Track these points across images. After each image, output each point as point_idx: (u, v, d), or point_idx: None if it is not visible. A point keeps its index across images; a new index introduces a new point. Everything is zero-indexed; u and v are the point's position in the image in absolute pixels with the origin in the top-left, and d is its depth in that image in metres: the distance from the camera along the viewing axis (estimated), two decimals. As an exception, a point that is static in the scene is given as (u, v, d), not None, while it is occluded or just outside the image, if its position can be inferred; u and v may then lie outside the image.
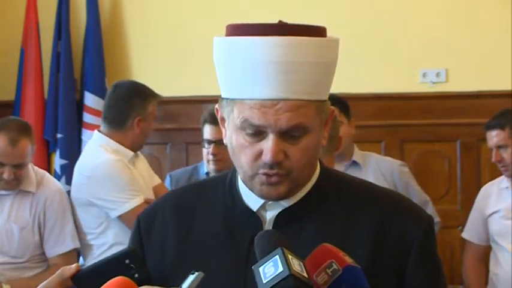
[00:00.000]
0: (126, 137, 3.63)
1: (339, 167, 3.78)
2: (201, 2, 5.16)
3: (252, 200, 1.56)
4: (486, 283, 3.90)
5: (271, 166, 1.48)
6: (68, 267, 1.54)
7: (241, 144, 1.50)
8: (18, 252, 3.46)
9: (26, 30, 5.18)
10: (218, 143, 3.65)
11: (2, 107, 5.21)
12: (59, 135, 5.10)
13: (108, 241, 3.57)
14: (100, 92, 4.98)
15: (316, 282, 1.35)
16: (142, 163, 3.80)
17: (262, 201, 1.55)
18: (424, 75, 4.94)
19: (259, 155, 1.49)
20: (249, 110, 1.47)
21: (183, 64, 5.14)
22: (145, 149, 4.84)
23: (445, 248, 4.74)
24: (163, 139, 5.17)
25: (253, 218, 1.56)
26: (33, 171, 3.55)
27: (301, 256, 1.36)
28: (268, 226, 1.55)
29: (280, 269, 1.29)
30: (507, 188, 3.78)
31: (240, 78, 1.48)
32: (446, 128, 4.89)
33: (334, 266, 1.35)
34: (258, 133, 1.48)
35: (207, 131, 3.76)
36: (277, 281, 1.28)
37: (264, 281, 1.30)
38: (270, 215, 1.56)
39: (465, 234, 3.97)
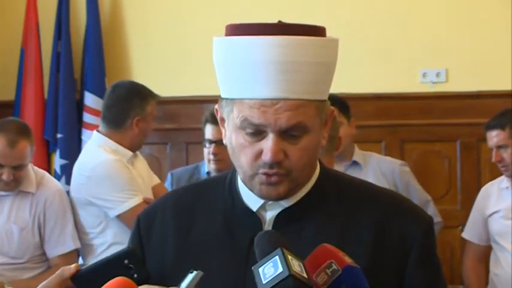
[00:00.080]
0: (125, 137, 3.64)
1: (339, 167, 3.78)
2: (201, 2, 5.16)
3: (252, 200, 1.56)
4: (486, 283, 3.90)
5: (271, 166, 1.48)
6: (68, 267, 1.54)
7: (241, 144, 1.50)
8: (18, 252, 3.45)
9: (26, 30, 5.18)
10: (219, 143, 3.65)
11: (2, 107, 5.21)
12: (59, 135, 5.10)
13: (107, 240, 3.58)
14: (100, 92, 4.97)
15: (315, 282, 1.35)
16: (141, 163, 3.81)
17: (262, 201, 1.55)
18: (424, 75, 4.94)
19: (259, 154, 1.49)
20: (249, 109, 1.47)
21: (183, 64, 5.14)
22: (145, 149, 4.85)
23: (445, 248, 4.74)
24: (163, 139, 5.17)
25: (253, 218, 1.56)
26: (33, 171, 3.55)
27: (301, 256, 1.36)
28: (268, 226, 1.55)
29: (280, 269, 1.29)
30: (507, 188, 3.78)
31: (239, 78, 1.48)
32: (446, 128, 4.89)
33: (334, 266, 1.35)
34: (258, 132, 1.48)
35: (209, 131, 3.77)
36: (277, 281, 1.27)
37: (264, 282, 1.29)
38: (269, 215, 1.56)
39: (465, 234, 3.97)
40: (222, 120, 1.57)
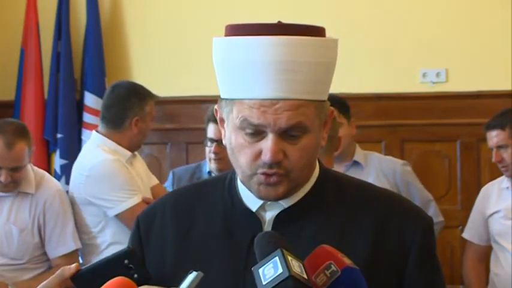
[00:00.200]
0: (124, 137, 3.65)
1: (340, 167, 3.77)
2: (201, 2, 5.16)
3: (252, 201, 1.56)
4: (487, 283, 3.90)
5: (270, 166, 1.48)
6: (68, 267, 1.54)
7: (240, 144, 1.50)
8: (18, 253, 3.44)
9: (26, 30, 5.18)
10: (221, 142, 3.65)
11: (2, 107, 5.22)
12: (59, 135, 5.10)
13: (106, 240, 3.59)
14: (100, 92, 4.97)
15: (315, 283, 1.35)
16: (140, 163, 3.82)
17: (261, 201, 1.55)
18: (424, 75, 4.94)
19: (258, 154, 1.49)
20: (249, 109, 1.47)
21: (183, 64, 5.14)
22: (145, 149, 4.86)
23: (445, 248, 4.74)
24: (163, 139, 5.17)
25: (253, 219, 1.56)
26: (33, 171, 3.53)
27: (301, 256, 1.36)
28: (267, 226, 1.55)
29: (280, 270, 1.29)
30: (507, 188, 3.78)
31: (239, 78, 1.48)
32: (446, 128, 4.89)
33: (333, 268, 1.35)
34: (257, 133, 1.48)
35: (211, 130, 3.78)
36: (277, 282, 1.27)
37: (264, 283, 1.29)
38: (269, 215, 1.56)
39: (465, 234, 3.97)
40: (222, 120, 1.57)
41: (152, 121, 3.78)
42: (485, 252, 3.91)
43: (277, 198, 1.53)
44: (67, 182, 4.44)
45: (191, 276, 1.38)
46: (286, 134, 1.48)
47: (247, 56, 1.46)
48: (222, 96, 1.55)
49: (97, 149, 3.61)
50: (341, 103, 3.75)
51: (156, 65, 5.19)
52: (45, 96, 5.19)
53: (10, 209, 3.46)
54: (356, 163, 3.91)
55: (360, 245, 1.52)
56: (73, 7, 5.24)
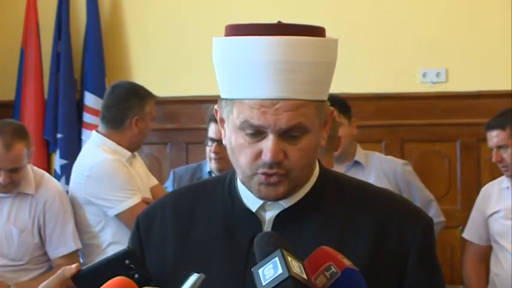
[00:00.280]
0: (124, 137, 3.65)
1: (341, 167, 3.77)
2: (201, 2, 5.16)
3: (251, 201, 1.56)
4: (487, 283, 3.90)
5: (270, 166, 1.48)
6: (69, 267, 1.54)
7: (240, 144, 1.50)
8: (18, 254, 3.43)
9: (26, 30, 5.18)
10: (221, 141, 3.65)
11: (2, 107, 5.22)
12: (59, 135, 5.10)
13: (106, 240, 3.59)
14: (100, 92, 4.97)
15: (314, 284, 1.35)
16: (140, 164, 3.82)
17: (261, 201, 1.55)
18: (424, 75, 4.94)
19: (258, 154, 1.49)
20: (249, 110, 1.47)
21: (183, 64, 5.14)
22: (145, 149, 4.86)
23: (445, 248, 4.74)
24: (163, 139, 5.17)
25: (253, 219, 1.56)
26: (32, 172, 3.52)
27: (301, 256, 1.36)
28: (267, 227, 1.55)
29: (280, 270, 1.29)
30: (507, 188, 3.78)
31: (239, 78, 1.48)
32: (446, 128, 4.89)
33: (333, 269, 1.35)
34: (258, 133, 1.48)
35: (212, 130, 3.78)
36: (277, 282, 1.27)
37: (264, 283, 1.29)
38: (269, 215, 1.56)
39: (466, 234, 3.97)
40: (222, 120, 1.57)
41: (152, 121, 3.78)
42: (485, 252, 3.91)
43: (277, 198, 1.53)
44: (67, 182, 4.44)
45: (193, 278, 1.38)
46: (286, 135, 1.48)
47: (247, 56, 1.46)
48: (222, 96, 1.55)
49: (97, 149, 3.61)
50: (341, 103, 3.75)
51: (156, 65, 5.19)
52: (45, 96, 5.19)
53: (10, 209, 3.45)
54: (357, 163, 3.90)
55: (359, 245, 1.52)
56: (73, 7, 5.24)
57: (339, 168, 3.66)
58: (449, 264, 4.76)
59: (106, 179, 3.54)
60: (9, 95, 5.24)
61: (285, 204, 1.55)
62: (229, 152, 1.55)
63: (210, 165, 3.86)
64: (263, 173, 1.49)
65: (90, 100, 5.09)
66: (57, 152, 5.10)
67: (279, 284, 1.27)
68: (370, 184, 1.68)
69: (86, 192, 3.56)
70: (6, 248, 3.42)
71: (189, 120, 5.09)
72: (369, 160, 3.92)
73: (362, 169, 3.87)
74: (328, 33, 1.53)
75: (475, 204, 3.94)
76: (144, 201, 3.53)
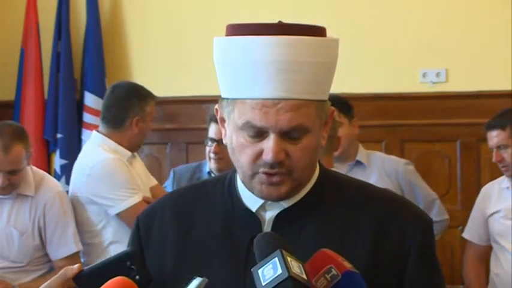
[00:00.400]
0: (124, 137, 3.66)
1: (343, 167, 3.77)
2: (201, 2, 5.16)
3: (251, 201, 1.56)
4: (487, 283, 3.90)
5: (272, 165, 1.48)
6: (71, 267, 1.55)
7: (241, 144, 1.50)
8: (18, 256, 3.41)
9: (26, 30, 5.18)
10: (221, 142, 3.65)
11: (2, 107, 5.22)
12: (59, 135, 5.10)
13: (107, 239, 3.59)
14: (100, 92, 4.97)
15: (315, 287, 1.35)
16: (139, 164, 3.83)
17: (261, 201, 1.55)
18: (424, 75, 4.94)
19: (259, 154, 1.49)
20: (251, 111, 1.47)
21: (183, 64, 5.15)
22: (145, 149, 4.86)
23: (445, 248, 4.74)
24: (163, 139, 5.18)
25: (253, 219, 1.56)
26: (32, 173, 3.49)
27: (301, 256, 1.36)
28: (267, 226, 1.55)
29: (279, 271, 1.29)
30: (508, 188, 3.78)
31: (240, 77, 1.48)
32: (446, 128, 4.89)
33: (333, 272, 1.35)
34: (259, 133, 1.48)
35: (212, 130, 3.78)
36: (277, 283, 1.27)
37: (263, 283, 1.29)
38: (269, 215, 1.56)
39: (466, 234, 3.97)
40: (222, 120, 1.57)
41: (152, 121, 3.79)
42: (485, 252, 3.91)
43: (279, 199, 1.53)
44: (67, 182, 4.45)
45: (195, 282, 1.38)
46: (287, 135, 1.48)
47: (248, 56, 1.46)
48: (223, 96, 1.55)
49: (98, 149, 3.62)
50: (342, 103, 3.74)
51: (156, 65, 5.19)
52: (45, 96, 5.19)
53: (10, 211, 3.43)
54: (359, 163, 3.89)
55: (359, 245, 1.52)
56: (73, 7, 5.24)
57: (341, 168, 3.66)
58: (449, 264, 4.76)
59: (107, 178, 3.54)
60: (9, 95, 5.24)
61: (285, 204, 1.55)
62: (230, 151, 1.55)
63: (210, 165, 3.87)
64: (264, 173, 1.49)
65: (90, 100, 5.09)
66: (57, 152, 5.10)
67: (278, 284, 1.27)
68: (370, 184, 1.68)
69: (87, 191, 3.56)
70: (7, 250, 3.40)
71: (189, 120, 5.10)
72: (370, 160, 3.91)
73: (364, 169, 3.86)
74: (328, 33, 1.53)
75: (475, 204, 3.94)
76: (145, 200, 3.54)
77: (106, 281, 1.42)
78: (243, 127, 1.49)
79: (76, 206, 3.59)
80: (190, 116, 5.08)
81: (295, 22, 1.49)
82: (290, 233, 1.51)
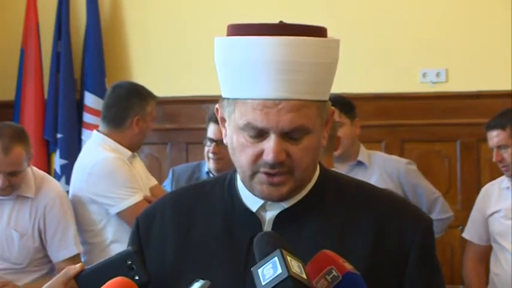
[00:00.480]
0: (125, 136, 3.66)
1: (344, 167, 3.76)
2: (201, 2, 5.16)
3: (252, 201, 1.56)
4: (487, 283, 3.90)
5: (272, 166, 1.48)
6: (73, 266, 1.56)
7: (242, 144, 1.50)
8: (18, 258, 3.39)
9: (26, 30, 5.18)
10: (220, 142, 3.67)
11: (2, 107, 5.22)
12: (59, 135, 5.10)
13: (107, 238, 3.59)
14: (100, 92, 4.98)
15: (316, 288, 1.35)
16: (139, 164, 3.83)
17: (261, 201, 1.55)
18: (424, 75, 4.94)
19: (260, 154, 1.49)
20: (252, 111, 1.47)
21: (183, 64, 5.15)
22: (145, 149, 4.86)
23: (445, 248, 4.74)
24: (163, 139, 5.18)
25: (253, 219, 1.56)
26: (33, 174, 3.46)
27: (301, 256, 1.36)
28: (267, 226, 1.55)
29: (279, 270, 1.29)
30: (508, 188, 3.78)
31: (240, 77, 1.48)
32: (446, 128, 4.89)
33: (334, 273, 1.35)
34: (260, 134, 1.48)
35: (211, 130, 3.79)
36: (276, 282, 1.28)
37: (263, 283, 1.29)
38: (269, 215, 1.56)
39: (466, 234, 3.97)
40: (223, 120, 1.57)
41: (153, 121, 3.79)
42: (485, 252, 3.91)
43: (280, 199, 1.53)
44: (67, 182, 4.45)
45: (197, 285, 1.38)
46: (288, 135, 1.48)
47: (249, 56, 1.46)
48: (223, 96, 1.55)
49: (98, 148, 3.62)
50: (344, 103, 3.74)
51: (156, 65, 5.19)
52: (45, 96, 5.19)
53: (10, 213, 3.41)
54: (360, 163, 3.88)
55: (360, 245, 1.53)
56: (73, 7, 5.24)
57: (342, 168, 3.65)
58: (449, 264, 4.76)
59: (108, 177, 3.54)
60: (9, 95, 5.24)
61: (285, 204, 1.55)
62: (230, 151, 1.55)
63: (209, 165, 3.87)
64: (265, 173, 1.49)
65: (90, 100, 5.09)
66: (57, 152, 5.10)
67: (278, 283, 1.28)
68: (370, 184, 1.68)
69: (87, 190, 3.56)
70: (7, 252, 3.39)
71: (189, 120, 5.09)
72: (372, 160, 3.90)
73: (365, 169, 3.85)
74: (328, 33, 1.53)
75: (475, 204, 3.94)
76: (146, 199, 3.54)
77: (107, 281, 1.43)
78: (244, 128, 1.49)
79: (77, 206, 3.59)
80: (190, 116, 5.08)
81: (296, 22, 1.49)
82: (290, 233, 1.51)
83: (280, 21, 1.50)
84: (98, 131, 3.72)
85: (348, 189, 1.61)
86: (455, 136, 4.89)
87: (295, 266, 1.31)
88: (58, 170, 5.05)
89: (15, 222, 3.41)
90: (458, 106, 4.87)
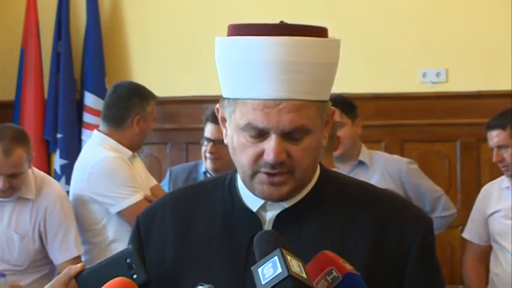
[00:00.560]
0: (125, 136, 3.66)
1: (346, 167, 3.76)
2: (201, 2, 5.16)
3: (252, 201, 1.56)
4: (487, 283, 3.90)
5: (273, 166, 1.48)
6: (74, 266, 1.56)
7: (242, 144, 1.50)
8: (19, 260, 3.38)
9: (26, 30, 5.18)
10: (217, 142, 3.68)
11: (2, 107, 5.22)
12: (59, 135, 5.10)
13: (107, 237, 3.60)
14: (100, 92, 4.98)
15: (315, 288, 1.35)
16: (139, 164, 3.83)
17: (261, 201, 1.55)
18: (424, 75, 4.94)
19: (260, 154, 1.49)
20: (253, 111, 1.47)
21: (183, 64, 5.15)
22: (145, 149, 4.86)
23: (445, 248, 4.74)
24: (163, 139, 5.18)
25: (253, 219, 1.56)
26: (33, 175, 3.45)
27: (301, 256, 1.36)
28: (268, 226, 1.55)
29: (279, 270, 1.29)
30: (508, 188, 3.78)
31: (241, 77, 1.48)
32: (446, 128, 4.89)
33: (334, 273, 1.36)
34: (261, 134, 1.48)
35: (208, 130, 3.78)
36: (276, 282, 1.28)
37: (263, 282, 1.29)
38: (269, 215, 1.56)
39: (466, 234, 3.97)
40: (223, 119, 1.57)
41: (153, 121, 3.79)
42: (485, 252, 3.91)
43: (280, 199, 1.53)
44: (67, 182, 4.45)
45: None
46: (288, 135, 1.48)
47: (250, 56, 1.46)
48: (224, 96, 1.55)
49: (98, 147, 3.62)
50: (345, 103, 3.74)
51: (156, 65, 5.19)
52: (45, 96, 5.19)
53: (11, 215, 3.40)
54: (361, 163, 3.88)
55: (360, 245, 1.53)
56: (73, 7, 5.24)
57: (343, 168, 3.65)
58: (449, 264, 4.76)
59: (108, 176, 3.54)
60: (9, 95, 5.24)
61: (285, 204, 1.55)
62: (230, 151, 1.55)
63: (206, 165, 3.86)
64: (265, 173, 1.49)
65: (90, 100, 5.09)
66: (57, 152, 5.10)
67: (278, 283, 1.28)
68: (370, 184, 1.68)
69: (88, 190, 3.57)
70: (8, 254, 3.38)
71: (189, 120, 5.09)
72: (373, 160, 3.89)
73: (366, 169, 3.85)
74: (328, 33, 1.53)
75: (475, 204, 3.94)
76: (146, 199, 3.54)
77: (107, 280, 1.43)
78: (245, 128, 1.49)
79: (77, 205, 3.59)
80: (190, 116, 5.08)
81: (296, 22, 1.49)
82: (290, 233, 1.51)
83: (281, 21, 1.50)
84: (98, 130, 3.72)
85: (348, 189, 1.61)
86: (455, 136, 4.89)
87: (295, 266, 1.31)
88: (58, 170, 5.05)
89: (15, 224, 3.40)
90: (458, 106, 4.87)
